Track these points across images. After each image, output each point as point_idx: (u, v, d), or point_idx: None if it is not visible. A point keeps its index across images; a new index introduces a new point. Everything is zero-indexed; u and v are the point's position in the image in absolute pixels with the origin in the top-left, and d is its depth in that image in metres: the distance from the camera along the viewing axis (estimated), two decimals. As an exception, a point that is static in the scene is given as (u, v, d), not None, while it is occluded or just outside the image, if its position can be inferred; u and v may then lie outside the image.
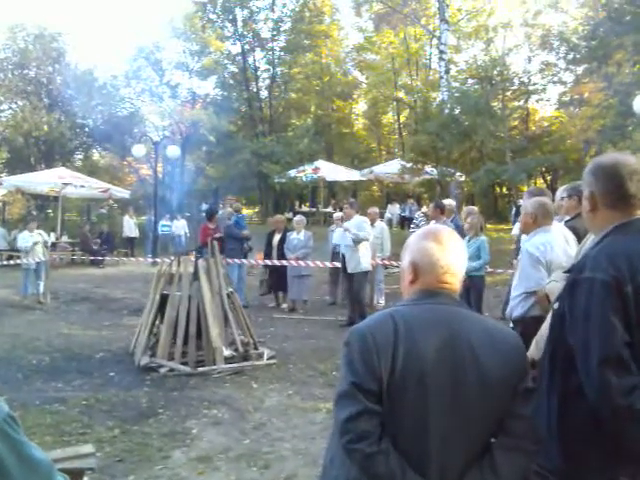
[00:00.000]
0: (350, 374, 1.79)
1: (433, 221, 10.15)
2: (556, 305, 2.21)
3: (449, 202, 10.84)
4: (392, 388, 1.76)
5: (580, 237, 3.67)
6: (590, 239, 2.86)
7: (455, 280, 1.95)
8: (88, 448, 3.92)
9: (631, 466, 1.97)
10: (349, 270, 9.65)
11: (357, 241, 9.51)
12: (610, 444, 1.95)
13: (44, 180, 21.37)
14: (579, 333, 1.96)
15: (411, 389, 1.76)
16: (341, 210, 20.34)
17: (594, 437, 1.98)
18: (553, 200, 4.82)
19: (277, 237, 11.67)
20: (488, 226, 10.32)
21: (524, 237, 4.71)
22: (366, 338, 1.80)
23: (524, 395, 1.86)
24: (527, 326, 3.74)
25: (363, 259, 9.62)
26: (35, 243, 12.07)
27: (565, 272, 2.50)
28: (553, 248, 4.10)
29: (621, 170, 2.09)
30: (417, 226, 15.00)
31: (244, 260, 11.47)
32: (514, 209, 23.50)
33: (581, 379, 1.95)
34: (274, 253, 11.51)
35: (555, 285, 3.31)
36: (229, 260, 10.56)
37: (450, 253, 1.93)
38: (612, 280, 1.91)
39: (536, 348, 2.76)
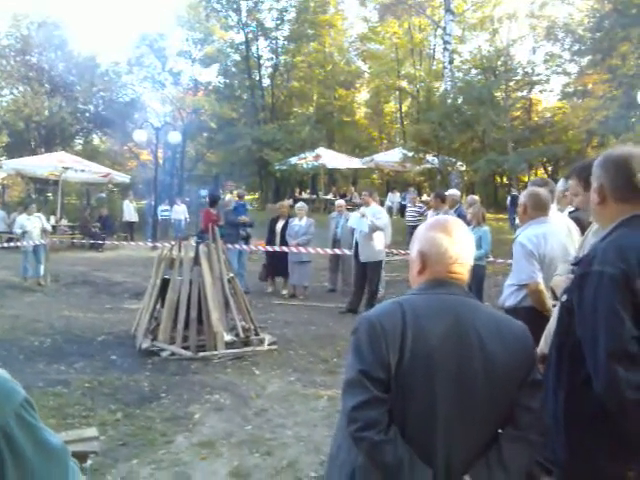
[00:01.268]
0: (358, 362, 1.79)
1: (432, 210, 10.16)
2: (564, 298, 2.21)
3: (453, 192, 10.81)
4: (400, 376, 1.76)
5: (584, 228, 3.64)
6: (592, 230, 2.86)
7: (463, 270, 1.94)
8: (92, 431, 3.93)
9: (638, 459, 1.97)
10: (361, 259, 9.63)
11: (373, 228, 9.49)
12: (617, 437, 1.95)
13: (44, 164, 21.29)
14: (587, 326, 1.96)
15: (418, 377, 1.76)
16: (342, 197, 20.37)
17: (601, 430, 1.98)
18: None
19: (280, 223, 11.65)
20: (488, 215, 10.32)
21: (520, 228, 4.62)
22: (374, 326, 1.80)
23: (532, 387, 1.86)
24: (519, 316, 3.72)
25: (377, 249, 9.63)
26: (25, 232, 12.04)
27: (573, 265, 2.49)
28: (547, 241, 4.01)
29: (631, 163, 2.08)
30: (420, 215, 14.99)
31: (244, 246, 11.43)
32: (509, 198, 23.61)
33: (589, 372, 1.95)
34: (277, 239, 11.49)
35: (560, 279, 3.28)
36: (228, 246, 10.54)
37: (458, 243, 1.93)
38: (621, 274, 1.90)
39: (545, 343, 2.76)
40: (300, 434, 4.85)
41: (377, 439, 1.73)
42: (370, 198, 10.02)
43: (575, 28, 25.17)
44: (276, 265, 11.42)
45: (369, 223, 9.45)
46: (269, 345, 7.43)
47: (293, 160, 28.38)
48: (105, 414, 5.09)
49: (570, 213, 4.46)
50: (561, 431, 2.08)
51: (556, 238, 4.04)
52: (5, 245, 13.38)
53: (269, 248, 11.27)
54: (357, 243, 9.72)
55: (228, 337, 7.12)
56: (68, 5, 59.95)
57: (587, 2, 27.64)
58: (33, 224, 12.24)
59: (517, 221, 10.90)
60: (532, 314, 3.68)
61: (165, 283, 7.41)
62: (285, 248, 11.02)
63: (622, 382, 1.82)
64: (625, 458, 1.98)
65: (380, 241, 9.71)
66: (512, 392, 1.82)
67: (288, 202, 13.81)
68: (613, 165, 2.13)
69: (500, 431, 1.84)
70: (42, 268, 12.15)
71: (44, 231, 12.45)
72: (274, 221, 11.86)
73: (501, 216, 23.66)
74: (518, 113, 28.19)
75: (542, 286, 3.88)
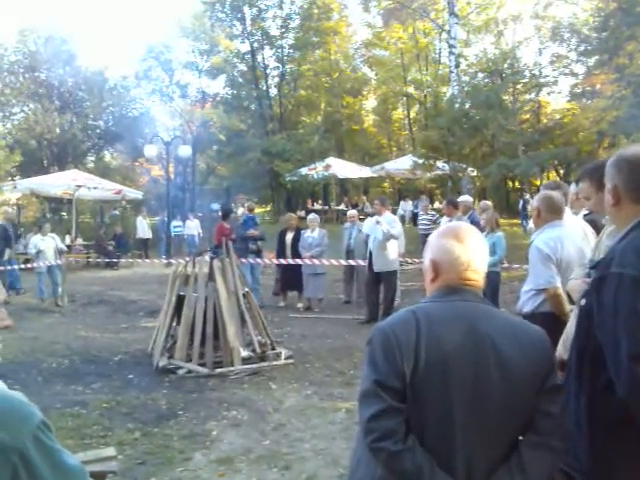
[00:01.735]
0: (373, 372, 1.79)
1: (445, 218, 10.11)
2: (583, 301, 2.18)
3: (465, 198, 10.77)
4: (415, 385, 1.76)
5: (599, 231, 3.61)
6: (607, 232, 2.83)
7: (477, 276, 1.94)
8: (110, 451, 3.95)
9: None
10: (375, 269, 9.60)
11: (387, 237, 9.47)
12: None
13: (58, 182, 21.46)
14: (608, 329, 1.93)
15: (434, 385, 1.76)
16: (354, 207, 20.34)
17: (624, 435, 1.96)
18: None
19: (290, 235, 11.59)
20: (501, 221, 10.20)
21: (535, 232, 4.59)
22: (388, 336, 1.80)
23: (552, 392, 1.85)
24: (536, 322, 3.70)
25: (391, 258, 9.62)
26: (39, 252, 12.12)
27: (590, 268, 2.47)
28: (564, 244, 3.98)
29: None
30: (434, 222, 14.94)
31: (258, 260, 11.40)
32: (521, 203, 23.50)
33: (610, 376, 1.93)
34: (287, 252, 11.45)
35: (576, 283, 3.26)
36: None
37: (471, 249, 1.93)
38: None
39: (563, 348, 2.74)
40: (318, 447, 4.84)
41: (395, 449, 1.72)
42: (383, 207, 9.96)
43: (580, 28, 25.09)
44: (289, 278, 11.40)
45: (384, 231, 9.43)
46: (286, 359, 7.43)
47: (303, 171, 28.41)
48: (123, 433, 5.12)
49: (585, 216, 4.43)
50: (584, 437, 2.06)
51: (572, 241, 4.01)
52: (22, 267, 13.48)
53: (282, 261, 11.24)
54: (371, 253, 9.71)
55: (245, 353, 7.13)
56: (74, 19, 60.73)
57: (591, 1, 27.55)
58: (47, 244, 12.32)
59: (530, 225, 10.88)
60: (550, 319, 3.64)
61: (180, 300, 7.44)
62: (298, 260, 11.01)
63: None
64: None
65: (394, 250, 9.68)
66: (531, 398, 1.81)
67: (294, 214, 13.71)
68: (627, 165, 2.11)
69: (521, 438, 1.83)
70: (60, 289, 12.22)
71: (59, 251, 12.55)
72: (283, 233, 11.81)
73: (514, 221, 23.52)
74: (527, 116, 28.03)
75: (561, 290, 3.85)
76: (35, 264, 12.12)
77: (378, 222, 9.56)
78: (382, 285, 9.68)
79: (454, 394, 1.76)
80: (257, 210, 21.85)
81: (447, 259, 1.93)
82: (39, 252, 12.17)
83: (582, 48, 24.96)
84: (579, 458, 2.08)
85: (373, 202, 13.07)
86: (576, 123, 26.54)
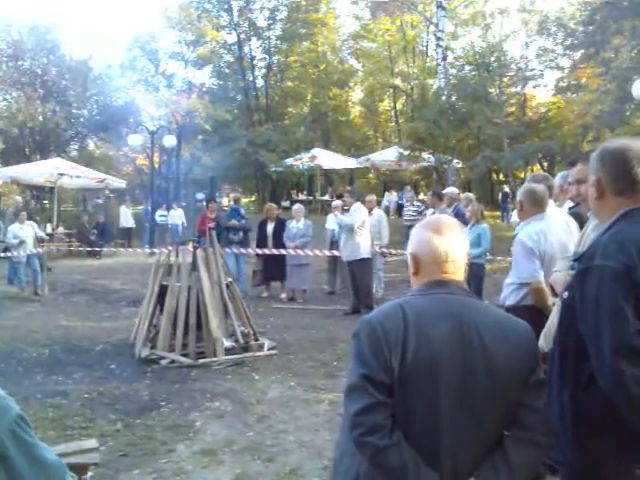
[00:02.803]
0: (360, 366, 1.77)
1: (431, 209, 10.15)
2: (566, 294, 2.20)
3: (451, 190, 10.79)
4: (403, 380, 1.74)
5: (584, 223, 3.62)
6: (591, 226, 2.83)
7: (457, 269, 1.93)
8: (92, 443, 3.90)
9: None
10: (343, 258, 9.71)
11: (342, 225, 9.61)
12: (625, 435, 1.92)
13: (40, 171, 21.22)
14: (590, 322, 1.93)
15: (422, 380, 1.74)
16: (339, 198, 20.37)
17: (608, 428, 1.96)
18: None
19: (270, 226, 11.54)
20: (485, 213, 10.22)
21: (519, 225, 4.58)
22: (376, 329, 1.78)
23: (536, 387, 1.85)
24: (519, 315, 3.70)
25: (360, 246, 9.56)
26: (22, 241, 11.94)
27: (574, 260, 2.47)
28: (547, 238, 3.99)
29: (629, 156, 2.06)
30: (419, 214, 14.96)
31: (242, 250, 11.31)
32: (501, 195, 23.69)
33: (593, 369, 1.93)
34: (269, 242, 11.38)
35: (559, 275, 3.26)
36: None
37: (449, 242, 1.92)
38: (623, 267, 1.88)
39: (545, 340, 2.73)
40: (302, 439, 4.82)
41: (381, 444, 1.70)
42: (352, 198, 9.98)
43: (567, 22, 25.17)
44: (272, 269, 11.32)
45: (337, 221, 9.78)
46: (269, 350, 7.40)
47: (289, 161, 28.39)
48: (105, 424, 5.06)
49: (570, 209, 4.43)
50: (567, 430, 2.06)
51: (555, 235, 4.02)
52: (2, 255, 13.30)
53: (266, 251, 11.18)
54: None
55: (228, 343, 7.10)
56: (58, 8, 59.92)
57: (578, -5, 27.68)
58: (26, 233, 12.13)
59: (513, 218, 10.93)
60: (533, 312, 3.66)
61: (163, 290, 7.37)
62: (282, 251, 10.96)
63: (628, 378, 1.80)
64: (632, 456, 1.96)
65: (364, 239, 9.65)
66: (516, 392, 1.80)
67: (274, 204, 13.59)
68: (610, 158, 2.12)
69: (506, 432, 1.83)
70: (40, 278, 12.08)
71: (38, 240, 12.37)
72: (263, 224, 11.72)
73: (498, 213, 23.69)
74: (513, 109, 28.16)
75: (543, 284, 3.86)
76: (15, 252, 11.91)
77: (334, 214, 9.80)
78: (355, 275, 9.63)
79: (441, 389, 1.75)
80: (242, 200, 21.79)
81: (426, 252, 1.92)
82: (21, 242, 11.96)
83: (568, 42, 25.05)
84: (563, 452, 2.09)
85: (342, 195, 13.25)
86: (561, 116, 26.75)
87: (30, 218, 13.57)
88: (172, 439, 4.80)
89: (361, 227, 9.56)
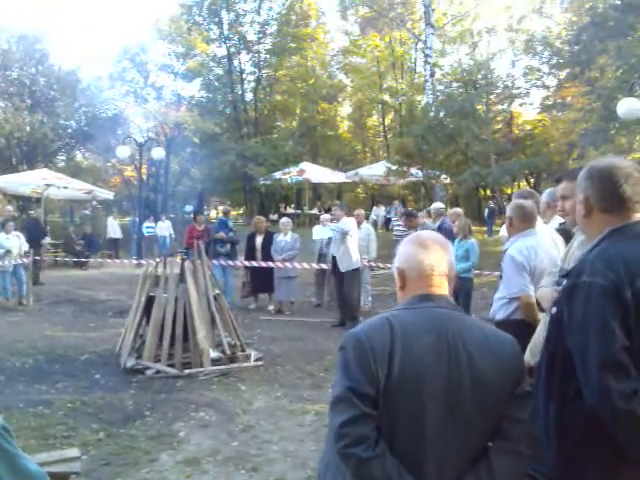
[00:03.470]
0: (346, 378, 1.78)
1: (412, 230, 10.21)
2: (554, 310, 2.20)
3: (437, 205, 10.85)
4: (389, 393, 1.75)
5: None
6: (576, 242, 2.86)
7: (443, 283, 1.95)
8: (73, 452, 3.87)
9: (631, 471, 1.95)
10: (342, 269, 9.63)
11: (342, 233, 9.56)
12: (609, 449, 1.93)
13: (27, 181, 21.13)
14: (578, 338, 1.95)
15: (408, 393, 1.75)
16: (327, 212, 20.40)
17: (593, 442, 1.97)
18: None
19: (259, 239, 11.57)
20: (472, 228, 10.25)
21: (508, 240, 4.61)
22: (362, 342, 1.79)
23: (521, 399, 1.86)
24: (509, 329, 3.72)
25: (353, 257, 9.65)
26: (9, 251, 11.84)
27: (562, 276, 2.49)
28: (537, 253, 4.02)
29: (616, 173, 2.08)
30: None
31: (229, 262, 11.33)
32: (487, 211, 23.85)
33: (580, 383, 1.94)
34: (258, 255, 11.40)
35: (546, 291, 3.28)
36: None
37: (435, 256, 1.93)
38: (611, 285, 1.89)
39: (531, 354, 2.75)
40: (287, 449, 4.80)
41: (365, 455, 1.71)
42: (341, 212, 9.97)
43: (553, 41, 25.44)
44: (260, 281, 11.33)
45: (334, 228, 9.69)
46: (255, 361, 7.38)
47: (277, 175, 28.45)
48: (87, 434, 5.01)
49: (560, 225, 4.46)
50: (552, 443, 2.06)
51: (545, 250, 4.05)
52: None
53: (254, 264, 11.19)
54: (334, 257, 9.80)
55: (214, 354, 7.07)
56: (48, 18, 59.89)
57: (565, 15, 28.03)
58: (12, 243, 12.04)
59: (502, 233, 11.02)
60: (522, 326, 3.68)
61: (150, 300, 7.34)
62: (270, 263, 10.97)
63: (614, 393, 1.81)
64: (616, 470, 1.96)
65: (355, 250, 9.72)
66: (502, 405, 1.81)
67: (263, 217, 13.64)
68: (598, 177, 2.13)
69: (490, 444, 1.83)
70: (24, 287, 11.98)
71: (24, 250, 12.28)
72: (252, 236, 11.75)
73: (485, 228, 23.81)
74: (499, 126, 28.43)
75: (534, 299, 3.88)
76: (1, 262, 11.81)
77: (326, 224, 9.79)
78: (344, 285, 9.65)
79: (427, 402, 1.75)
80: (231, 213, 21.78)
81: (412, 266, 1.94)
82: (8, 252, 11.88)
83: (554, 61, 25.30)
84: (547, 464, 2.09)
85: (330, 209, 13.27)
86: (547, 134, 27.01)
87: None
88: (155, 449, 4.76)
89: (351, 236, 9.65)
